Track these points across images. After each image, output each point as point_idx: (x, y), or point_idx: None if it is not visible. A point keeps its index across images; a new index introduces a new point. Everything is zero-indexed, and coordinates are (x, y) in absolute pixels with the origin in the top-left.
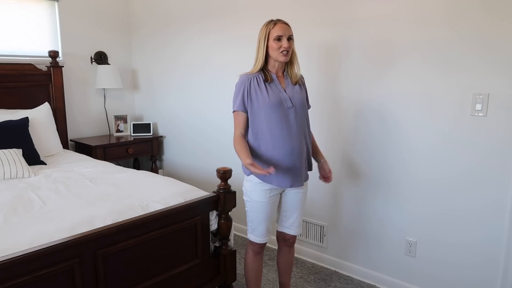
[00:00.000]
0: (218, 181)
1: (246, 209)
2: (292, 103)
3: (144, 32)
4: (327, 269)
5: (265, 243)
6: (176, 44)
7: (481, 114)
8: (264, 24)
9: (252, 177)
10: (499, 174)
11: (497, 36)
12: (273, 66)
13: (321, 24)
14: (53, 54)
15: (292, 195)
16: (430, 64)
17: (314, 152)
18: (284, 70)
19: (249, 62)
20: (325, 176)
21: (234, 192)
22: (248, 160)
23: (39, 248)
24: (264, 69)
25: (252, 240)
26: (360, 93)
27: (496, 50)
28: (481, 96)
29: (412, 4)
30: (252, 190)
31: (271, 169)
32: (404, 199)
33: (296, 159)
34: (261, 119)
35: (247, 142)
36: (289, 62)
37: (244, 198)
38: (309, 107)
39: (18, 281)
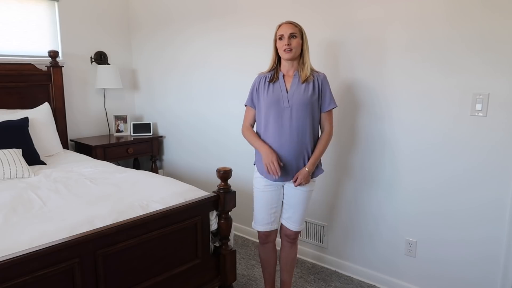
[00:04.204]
0: (218, 181)
1: None
2: (289, 103)
3: (144, 32)
4: (327, 269)
5: (266, 233)
6: (176, 44)
7: (481, 114)
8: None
9: (255, 166)
10: (499, 173)
11: (497, 36)
12: (284, 66)
13: (321, 23)
14: (53, 54)
15: (290, 189)
16: (430, 64)
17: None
18: (297, 69)
19: (249, 61)
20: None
21: (234, 192)
22: (265, 149)
23: (39, 248)
24: (276, 68)
25: (253, 227)
26: (359, 92)
27: (496, 50)
28: (481, 96)
29: (412, 4)
30: (254, 177)
31: (275, 173)
32: (404, 199)
33: (285, 156)
34: (261, 115)
35: None
36: (301, 61)
37: None
38: (330, 107)
39: (18, 281)
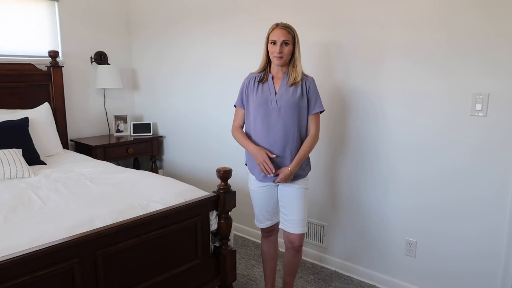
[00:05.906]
0: (218, 181)
1: None
2: (277, 104)
3: (145, 31)
4: (327, 269)
5: (266, 229)
6: (176, 44)
7: (481, 114)
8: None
9: (247, 166)
10: (499, 173)
11: (497, 36)
12: (273, 68)
13: (319, 24)
14: (53, 54)
15: (283, 189)
16: (429, 64)
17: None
18: (286, 72)
19: (250, 62)
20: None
21: (234, 192)
22: (252, 148)
23: (39, 248)
24: (266, 69)
25: (256, 225)
26: (359, 93)
27: (496, 50)
28: (481, 96)
29: (413, 5)
30: (248, 179)
31: (270, 171)
32: (404, 200)
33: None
34: (250, 116)
35: None
36: (292, 64)
37: None
38: (317, 110)
39: (18, 281)
